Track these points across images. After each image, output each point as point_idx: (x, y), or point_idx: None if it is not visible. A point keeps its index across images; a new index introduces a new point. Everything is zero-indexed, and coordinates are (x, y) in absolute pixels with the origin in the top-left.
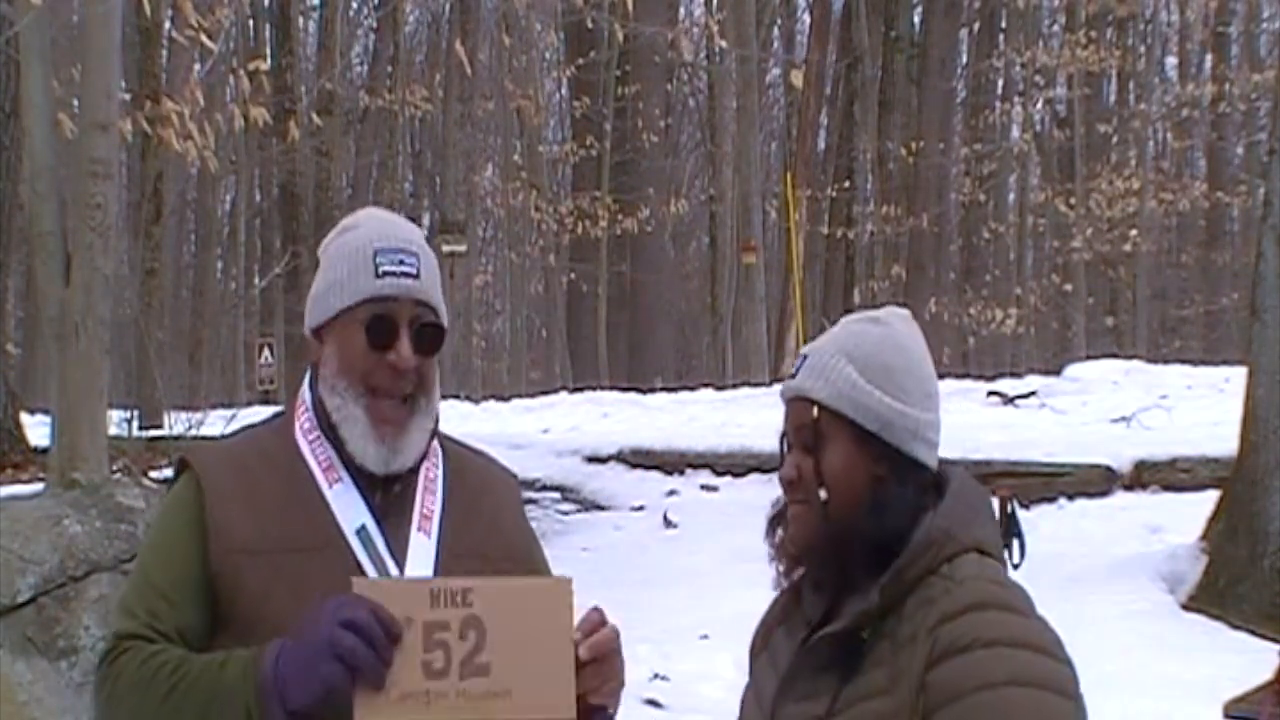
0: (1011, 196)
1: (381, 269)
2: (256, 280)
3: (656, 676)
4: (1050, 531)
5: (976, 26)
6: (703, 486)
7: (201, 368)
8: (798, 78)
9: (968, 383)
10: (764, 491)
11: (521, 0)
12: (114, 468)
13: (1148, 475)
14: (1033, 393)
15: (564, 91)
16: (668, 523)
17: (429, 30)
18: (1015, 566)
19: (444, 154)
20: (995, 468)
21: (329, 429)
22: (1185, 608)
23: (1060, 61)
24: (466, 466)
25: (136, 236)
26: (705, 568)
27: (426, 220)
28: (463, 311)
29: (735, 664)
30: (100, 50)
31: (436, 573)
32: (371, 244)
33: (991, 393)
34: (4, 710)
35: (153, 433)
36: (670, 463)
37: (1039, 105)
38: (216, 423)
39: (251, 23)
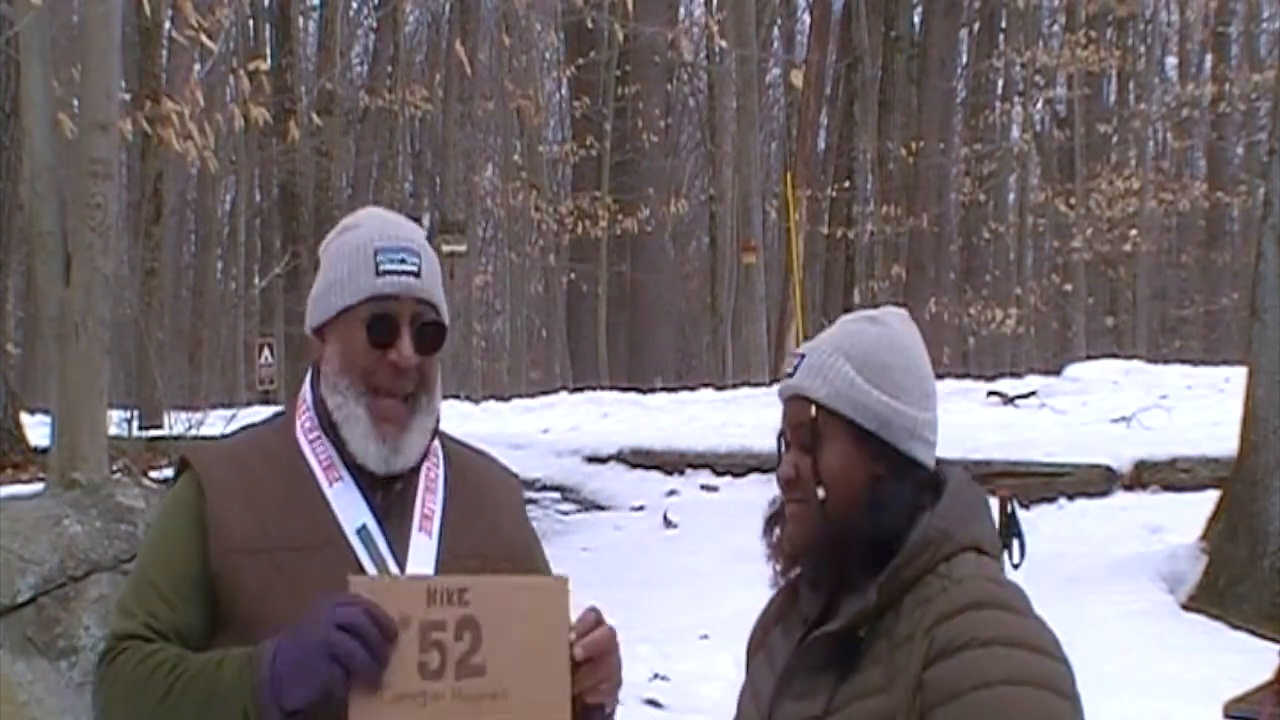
0: (1011, 196)
1: (382, 268)
2: (256, 280)
3: (656, 676)
4: (1050, 531)
5: (976, 26)
6: (703, 486)
7: (201, 368)
8: (798, 78)
9: (968, 383)
10: (764, 491)
11: (521, 0)
12: (114, 468)
13: (1148, 475)
14: (1033, 393)
15: (564, 91)
16: (668, 523)
17: (429, 30)
18: (1015, 566)
19: (444, 154)
20: (995, 468)
21: (330, 428)
22: (1185, 608)
23: (1060, 61)
24: (468, 466)
25: (136, 236)
26: (705, 568)
27: (426, 220)
28: (463, 311)
29: (735, 664)
30: (100, 50)
31: (437, 572)
32: (372, 243)
33: (991, 393)
34: (4, 710)
35: (153, 433)
36: (670, 463)
37: (1039, 105)
38: (216, 423)
39: (251, 23)
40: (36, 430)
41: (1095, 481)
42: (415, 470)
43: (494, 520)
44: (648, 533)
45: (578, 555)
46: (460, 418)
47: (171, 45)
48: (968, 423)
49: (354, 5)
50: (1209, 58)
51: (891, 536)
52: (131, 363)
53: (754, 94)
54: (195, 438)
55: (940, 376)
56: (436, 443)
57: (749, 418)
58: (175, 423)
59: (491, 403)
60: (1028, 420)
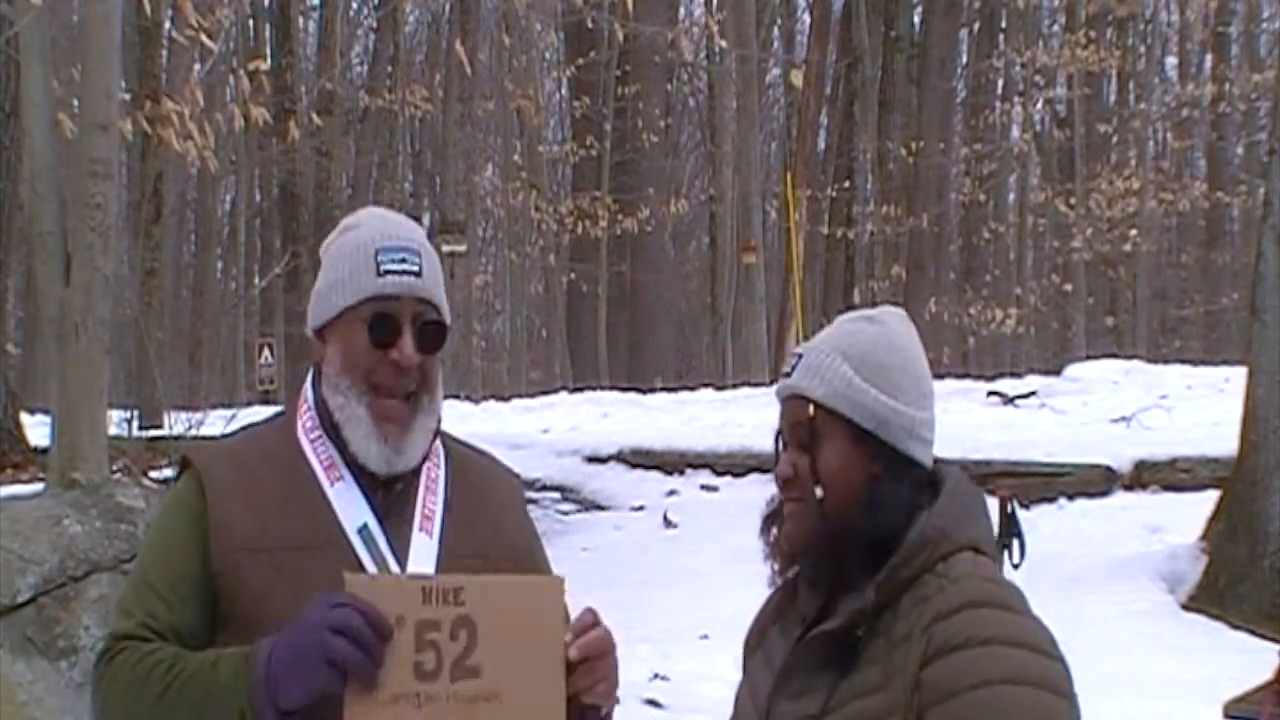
0: (1011, 196)
1: (383, 268)
2: (256, 280)
3: (656, 676)
4: (1050, 531)
5: (976, 26)
6: (703, 486)
7: (201, 368)
8: (798, 78)
9: (968, 383)
10: (764, 491)
11: (521, 0)
12: (114, 468)
13: (1148, 475)
14: (1033, 393)
15: (564, 91)
16: (668, 523)
17: (429, 30)
18: (1015, 566)
19: (444, 154)
20: (995, 468)
21: (331, 428)
22: (1185, 608)
23: (1060, 61)
24: (469, 466)
25: (136, 236)
26: (705, 568)
27: (426, 220)
28: (463, 311)
29: (735, 664)
30: (100, 50)
31: (438, 572)
32: (373, 243)
33: (991, 393)
34: (4, 710)
35: (153, 433)
36: (670, 463)
37: (1039, 105)
38: (216, 423)
39: (251, 23)
40: (36, 430)
41: (1095, 481)
42: (416, 470)
43: (495, 520)
44: (648, 533)
45: (578, 555)
46: (460, 418)
47: (171, 45)
48: (968, 423)
49: (354, 5)
50: (1209, 58)
51: (889, 536)
52: (131, 363)
53: (754, 94)
54: (195, 438)
55: (940, 376)
56: (438, 442)
57: (749, 418)
58: (175, 423)
59: (491, 403)
60: (1028, 420)
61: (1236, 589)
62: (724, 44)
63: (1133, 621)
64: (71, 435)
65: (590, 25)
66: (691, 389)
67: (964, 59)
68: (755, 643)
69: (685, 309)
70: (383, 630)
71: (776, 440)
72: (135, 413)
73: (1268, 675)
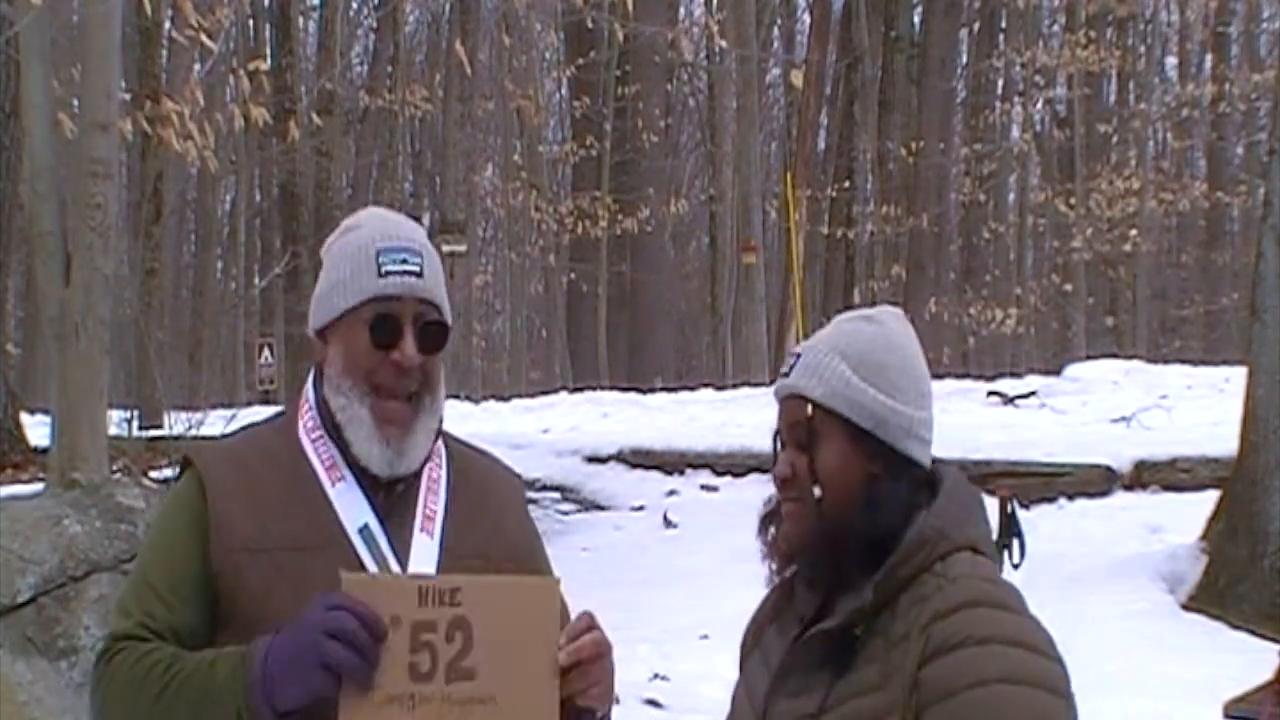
0: (1011, 196)
1: (384, 268)
2: (256, 280)
3: (656, 676)
4: (1050, 531)
5: (976, 26)
6: (703, 486)
7: (201, 368)
8: (798, 78)
9: (968, 383)
10: (764, 491)
11: (521, 0)
12: (114, 468)
13: (1148, 475)
14: (1033, 393)
15: (564, 91)
16: (668, 523)
17: (429, 30)
18: (1015, 566)
19: (444, 154)
20: (995, 468)
21: (333, 429)
22: (1185, 608)
23: (1060, 61)
24: (470, 466)
25: (136, 236)
26: (705, 568)
27: (426, 220)
28: (463, 311)
29: (735, 664)
30: (100, 50)
31: (439, 573)
32: (374, 243)
33: (991, 393)
34: (4, 710)
35: (153, 433)
36: (670, 463)
37: (1039, 105)
38: (216, 423)
39: (251, 23)
40: (36, 430)
41: (1095, 481)
42: (418, 471)
43: (496, 520)
44: (648, 533)
45: (578, 555)
46: (460, 418)
47: (171, 45)
48: (968, 423)
49: (354, 5)
50: (1209, 58)
51: (887, 535)
52: (131, 363)
53: (754, 94)
54: (195, 438)
55: (940, 376)
56: (439, 443)
57: (749, 418)
58: (175, 423)
59: (491, 403)
60: (1028, 420)
61: (1236, 589)
62: (724, 44)
63: (1133, 621)
64: (71, 435)
65: (590, 25)
66: (691, 389)
67: (964, 59)
68: (752, 642)
69: (685, 309)
70: (377, 632)
71: (775, 440)
72: (135, 413)
73: (1268, 675)
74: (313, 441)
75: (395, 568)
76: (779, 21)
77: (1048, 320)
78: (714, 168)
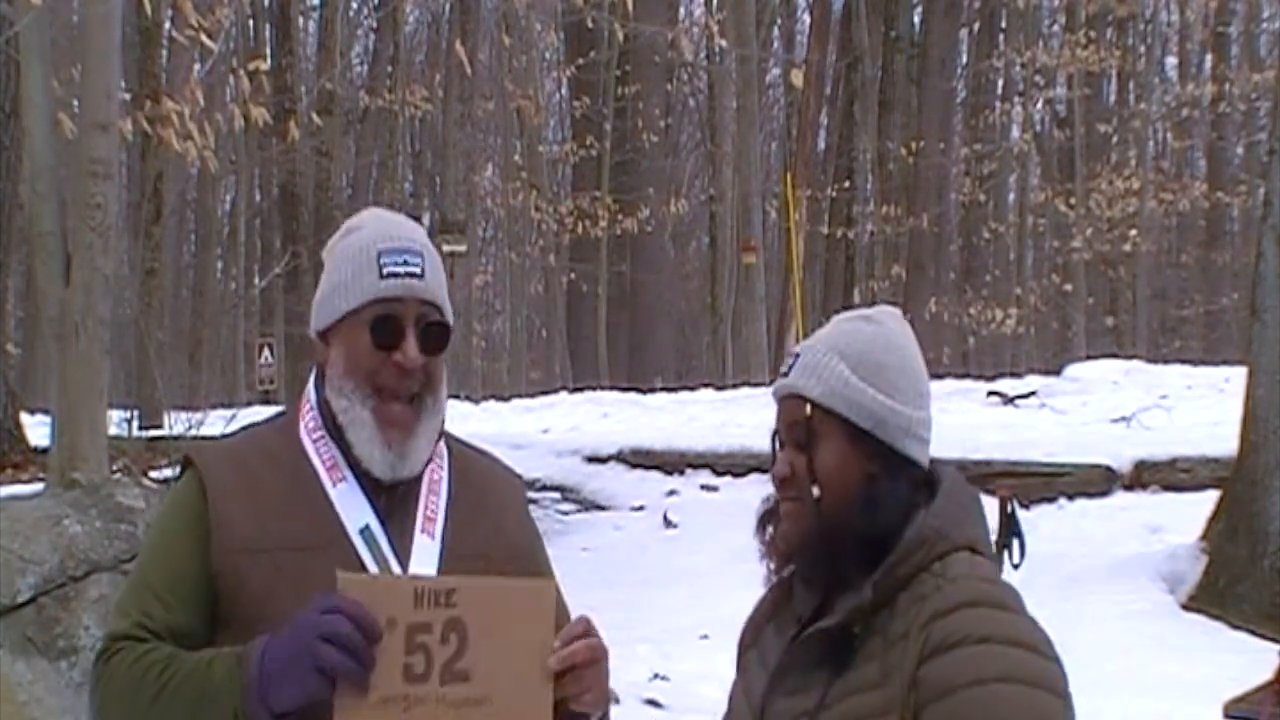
0: (1011, 196)
1: (386, 270)
2: (256, 280)
3: (656, 676)
4: (1050, 531)
5: (976, 26)
6: (703, 486)
7: (201, 368)
8: (798, 78)
9: (968, 383)
10: (764, 491)
11: (521, 0)
12: (114, 468)
13: (1148, 475)
14: (1033, 393)
15: (564, 91)
16: (668, 523)
17: (429, 30)
18: (1015, 566)
19: (444, 154)
20: (995, 468)
21: (335, 430)
22: (1185, 608)
23: (1060, 61)
24: (471, 467)
25: (136, 236)
26: (705, 568)
27: (426, 220)
28: (463, 311)
29: (734, 663)
30: (100, 50)
31: (440, 574)
32: (375, 245)
33: (991, 393)
34: (4, 710)
35: (153, 433)
36: (670, 463)
37: (1039, 105)
38: (216, 423)
39: (251, 23)
40: (36, 430)
41: (1095, 481)
42: (419, 472)
43: (497, 521)
44: (648, 533)
45: (578, 555)
46: (460, 418)
47: (171, 45)
48: (968, 423)
49: (354, 5)
50: (1209, 58)
51: (886, 534)
52: (131, 363)
53: (754, 94)
54: (195, 438)
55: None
56: (441, 443)
57: (749, 418)
58: (175, 423)
59: (491, 403)
60: (1028, 420)
61: (1236, 589)
62: (724, 44)
63: (1133, 621)
64: (71, 435)
65: (590, 25)
66: (691, 389)
67: (964, 59)
68: (750, 641)
69: (685, 309)
70: (372, 634)
71: (773, 440)
72: (135, 413)
73: (1268, 675)
74: (314, 442)
75: (396, 569)
76: (779, 21)
77: (1048, 320)
78: (714, 168)
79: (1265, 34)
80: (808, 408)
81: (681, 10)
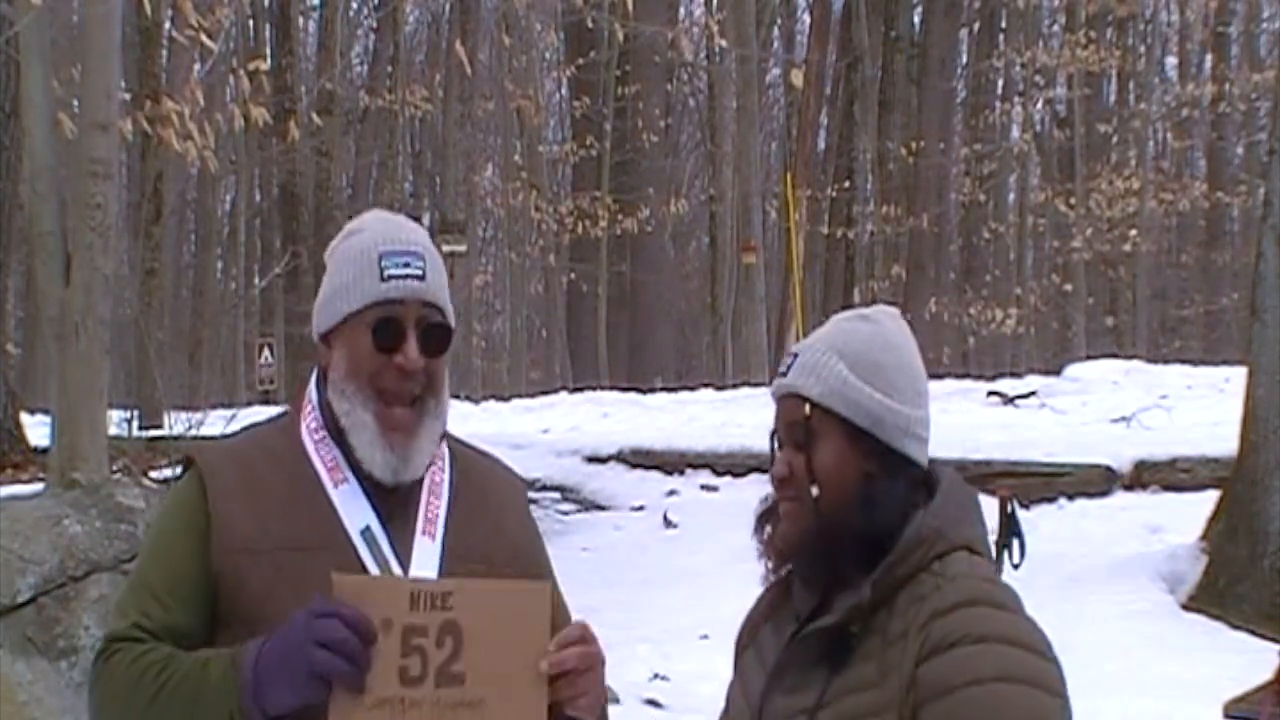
0: (1011, 196)
1: (387, 272)
2: (256, 280)
3: (656, 676)
4: (1050, 531)
5: (976, 26)
6: (703, 486)
7: (201, 368)
8: (798, 78)
9: (968, 383)
10: (764, 491)
11: (521, 0)
12: (114, 468)
13: (1148, 475)
14: (1033, 393)
15: (564, 91)
16: (668, 523)
17: (429, 30)
18: (1015, 566)
19: (444, 154)
20: (995, 468)
21: (336, 433)
22: (1185, 608)
23: (1060, 61)
24: (472, 468)
25: (136, 236)
26: (705, 568)
27: (426, 220)
28: (463, 311)
29: (732, 663)
30: (100, 50)
31: (440, 576)
32: (376, 247)
33: (991, 393)
34: (4, 710)
35: (153, 433)
36: (670, 463)
37: (1039, 105)
38: (216, 423)
39: (251, 23)
40: (36, 430)
41: (1095, 481)
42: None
43: (498, 522)
44: (648, 533)
45: (578, 555)
46: (460, 418)
47: (171, 45)
48: (968, 423)
49: (354, 5)
50: (1209, 58)
51: (885, 534)
52: (131, 363)
53: (754, 94)
54: (195, 438)
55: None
56: (443, 445)
57: (749, 418)
58: (175, 423)
59: (491, 403)
60: (1028, 420)
61: (1236, 589)
62: (724, 44)
63: (1133, 621)
64: (71, 435)
65: (590, 25)
66: (691, 389)
67: (964, 59)
68: (747, 640)
69: (685, 309)
70: (368, 637)
71: (772, 439)
72: (135, 413)
73: (1268, 675)
74: (315, 443)
75: (397, 570)
76: (779, 21)
77: (1048, 320)
78: (714, 168)
79: (1265, 34)
80: (806, 407)
81: (681, 10)
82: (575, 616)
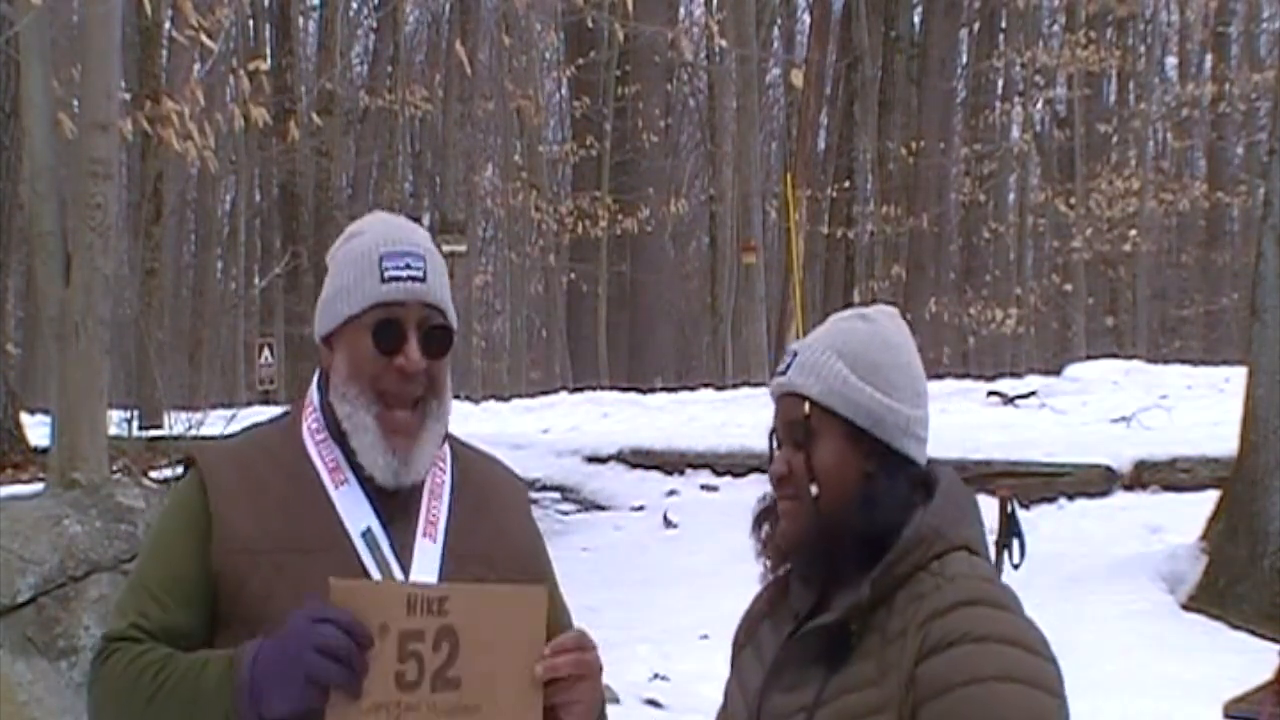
0: (1011, 196)
1: (387, 274)
2: (256, 280)
3: (656, 676)
4: (1050, 531)
5: (976, 26)
6: (703, 486)
7: (201, 368)
8: (798, 78)
9: (968, 383)
10: (764, 491)
11: (521, 0)
12: (114, 468)
13: (1148, 475)
14: (1033, 393)
15: (564, 91)
16: (668, 523)
17: (429, 30)
18: (1015, 567)
19: (444, 154)
20: (995, 468)
21: (338, 435)
22: (1185, 608)
23: (1060, 61)
24: (473, 469)
25: (136, 236)
26: (705, 568)
27: (426, 220)
28: (463, 311)
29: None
30: (100, 50)
31: (441, 578)
32: (377, 249)
33: (991, 393)
34: (4, 710)
35: (153, 433)
36: (670, 463)
37: (1039, 105)
38: (216, 423)
39: (251, 23)
40: (36, 430)
41: (1095, 481)
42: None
43: (500, 523)
44: (648, 533)
45: (578, 555)
46: (460, 418)
47: (171, 45)
48: (968, 423)
49: (354, 5)
50: (1209, 58)
51: (884, 533)
52: (131, 363)
53: (754, 94)
54: (195, 438)
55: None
56: (444, 446)
57: (749, 418)
58: (175, 423)
59: (491, 403)
60: (1028, 420)
61: (1236, 589)
62: (724, 44)
63: (1133, 621)
64: (71, 435)
65: (590, 25)
66: (691, 389)
67: (964, 59)
68: (744, 639)
69: (685, 309)
70: (364, 643)
71: (771, 438)
72: (135, 413)
73: (1268, 675)
74: (317, 444)
75: (397, 572)
76: (779, 21)
77: (1048, 320)
78: (714, 168)
79: (1265, 34)
80: (806, 406)
81: (681, 10)
82: (575, 616)
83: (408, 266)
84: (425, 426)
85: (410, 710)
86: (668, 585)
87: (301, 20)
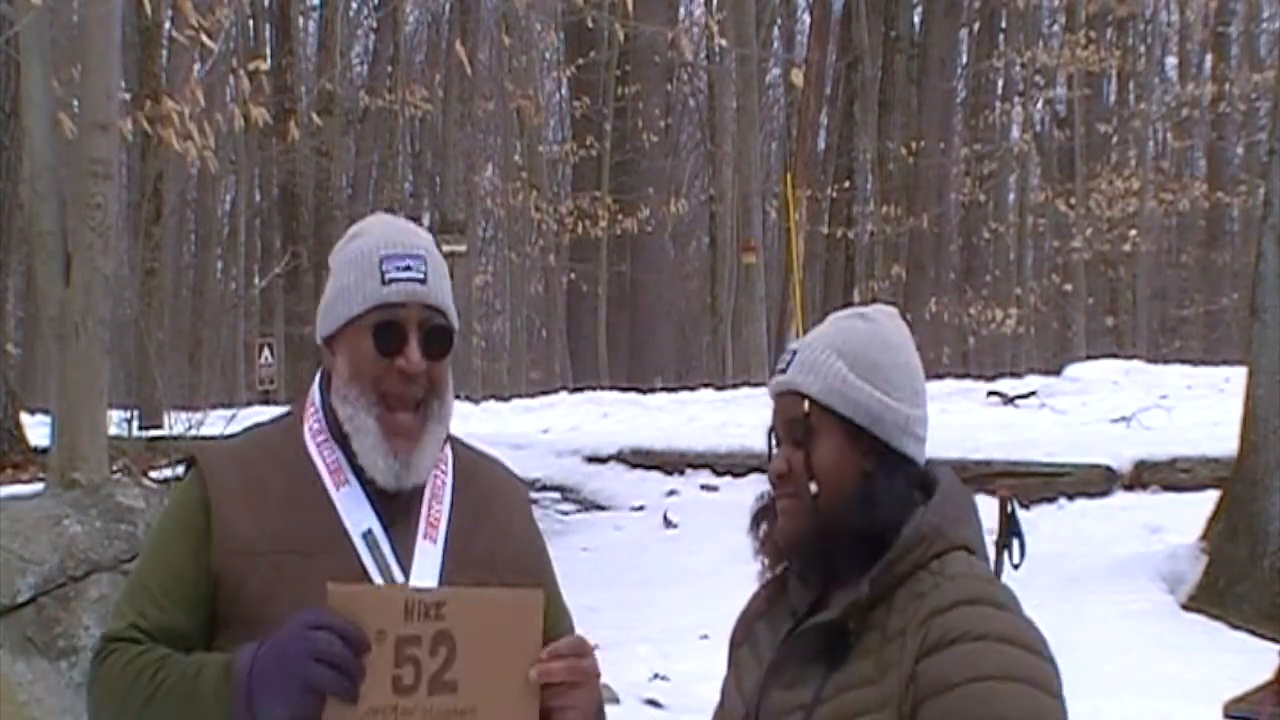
0: (1011, 196)
1: (388, 276)
2: (256, 280)
3: (656, 676)
4: (1050, 531)
5: (976, 26)
6: (703, 486)
7: (201, 368)
8: (798, 78)
9: (968, 383)
10: (762, 490)
11: (521, 0)
12: (114, 468)
13: (1148, 475)
14: (1033, 393)
15: (564, 91)
16: (668, 523)
17: (429, 30)
18: (1015, 567)
19: (444, 154)
20: (995, 468)
21: (339, 436)
22: (1185, 608)
23: (1060, 61)
24: (475, 471)
25: (136, 236)
26: (705, 568)
27: (426, 220)
28: (463, 311)
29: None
30: (100, 50)
31: (442, 580)
32: (378, 251)
33: (991, 393)
34: (4, 710)
35: (153, 433)
36: (670, 463)
37: (1039, 105)
38: (216, 423)
39: (251, 23)
40: (36, 430)
41: (1095, 481)
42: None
43: (501, 525)
44: (648, 533)
45: (578, 555)
46: (460, 418)
47: (171, 45)
48: (968, 423)
49: (354, 5)
50: (1209, 58)
51: (883, 531)
52: (131, 363)
53: (754, 94)
54: (195, 438)
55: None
56: (446, 447)
57: (749, 418)
58: (175, 423)
59: (491, 403)
60: (1028, 420)
61: (1236, 589)
62: (724, 44)
63: (1133, 621)
64: (71, 435)
65: (590, 25)
66: (691, 389)
67: (964, 59)
68: (742, 637)
69: (685, 309)
70: (362, 649)
71: (770, 437)
72: (135, 413)
73: (1268, 675)
74: (318, 445)
75: (398, 574)
76: (779, 21)
77: (1048, 320)
78: (714, 168)
79: (1265, 34)
80: (805, 404)
81: (681, 10)
82: (575, 616)
83: (408, 268)
84: (427, 429)
85: (406, 714)
86: (668, 585)
87: (301, 20)
